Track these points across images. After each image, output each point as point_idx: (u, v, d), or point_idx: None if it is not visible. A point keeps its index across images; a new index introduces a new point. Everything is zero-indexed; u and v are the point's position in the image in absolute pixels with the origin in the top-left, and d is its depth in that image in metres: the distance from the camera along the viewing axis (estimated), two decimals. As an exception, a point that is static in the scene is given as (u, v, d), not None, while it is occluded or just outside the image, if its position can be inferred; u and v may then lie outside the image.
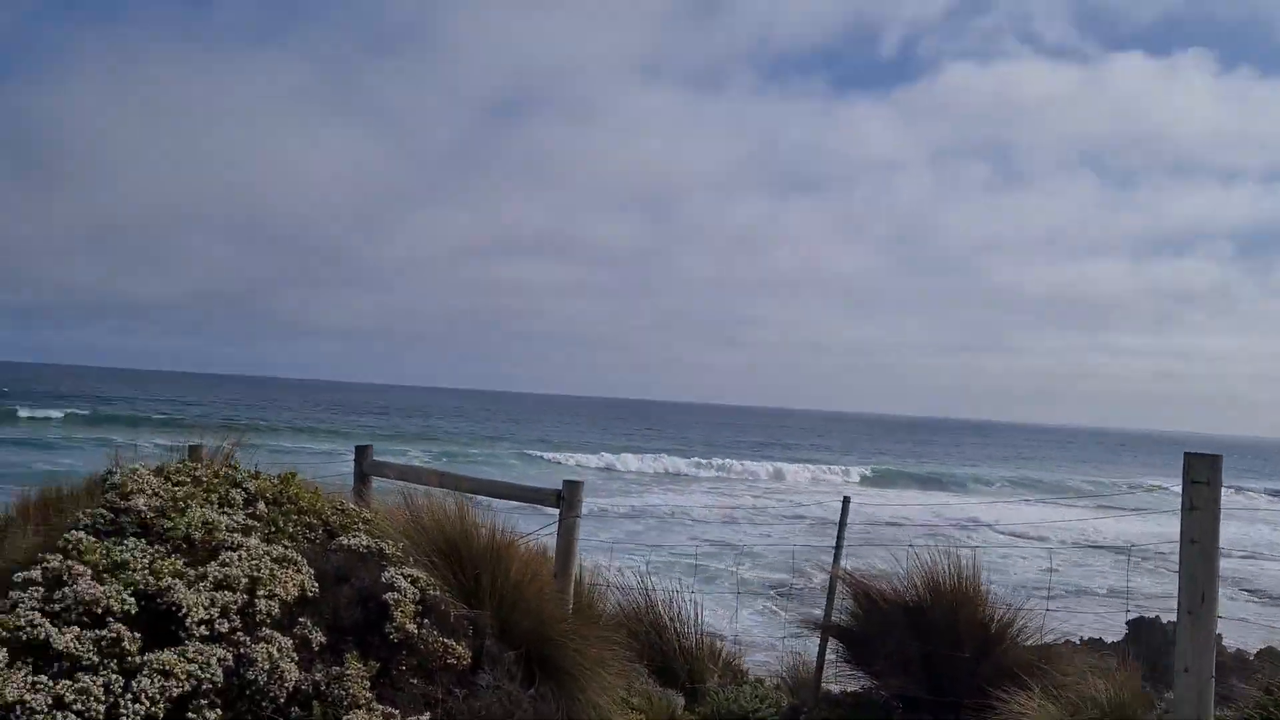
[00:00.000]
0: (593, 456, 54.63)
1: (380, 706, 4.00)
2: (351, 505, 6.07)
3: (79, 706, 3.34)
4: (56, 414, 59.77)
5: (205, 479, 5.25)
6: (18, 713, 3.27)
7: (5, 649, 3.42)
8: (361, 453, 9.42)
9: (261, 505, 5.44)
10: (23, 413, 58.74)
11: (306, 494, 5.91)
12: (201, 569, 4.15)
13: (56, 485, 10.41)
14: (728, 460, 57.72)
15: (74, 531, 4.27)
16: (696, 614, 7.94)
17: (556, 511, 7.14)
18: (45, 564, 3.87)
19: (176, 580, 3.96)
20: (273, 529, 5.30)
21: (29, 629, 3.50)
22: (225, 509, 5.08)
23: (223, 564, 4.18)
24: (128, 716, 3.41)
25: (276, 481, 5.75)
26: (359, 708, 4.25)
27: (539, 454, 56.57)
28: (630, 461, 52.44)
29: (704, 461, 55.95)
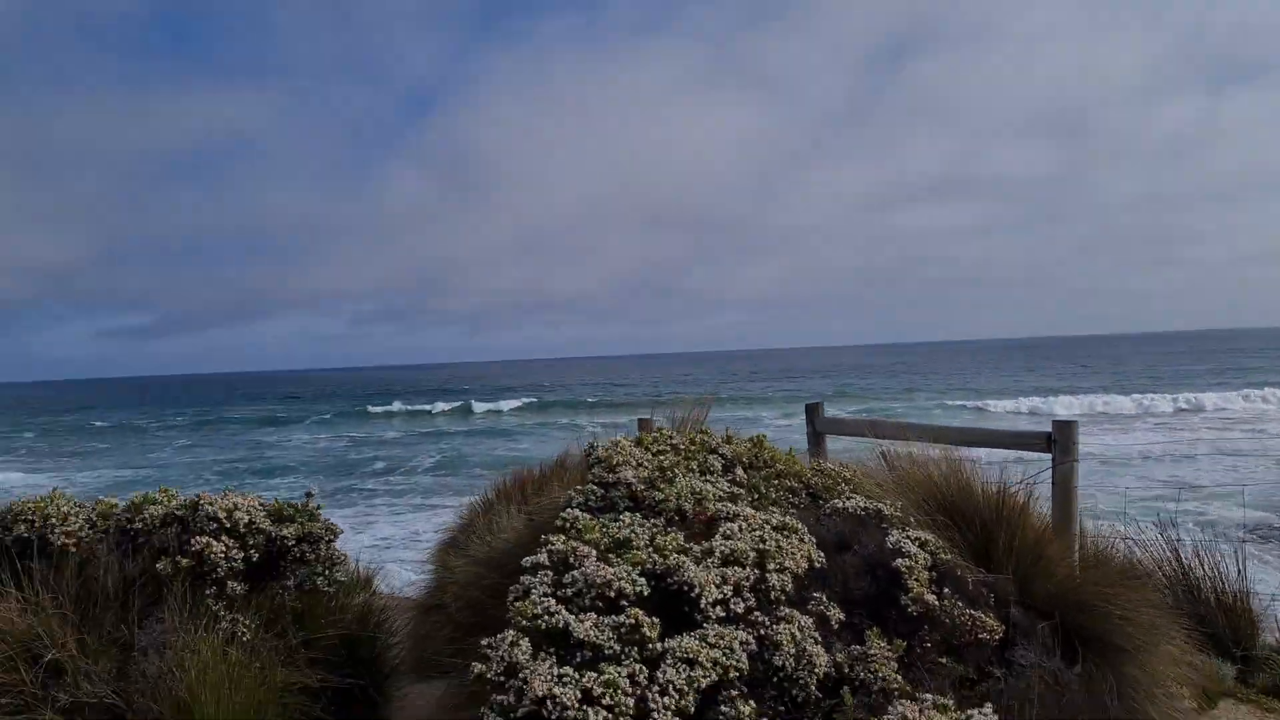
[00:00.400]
0: (1022, 400, 51.23)
1: (929, 696, 3.35)
2: (830, 465, 5.53)
3: (608, 701, 3.01)
4: (509, 404, 66.12)
5: (683, 447, 4.91)
6: (548, 708, 2.99)
7: (527, 639, 3.17)
8: (813, 411, 8.93)
9: (740, 471, 5.03)
10: (477, 407, 65.54)
11: (782, 456, 5.45)
12: (705, 544, 3.74)
13: (526, 468, 10.98)
14: (1177, 393, 51.67)
15: (570, 510, 4.04)
16: (1240, 565, 6.60)
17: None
18: (550, 546, 3.62)
19: (682, 557, 3.57)
20: (755, 495, 4.87)
21: (547, 617, 3.24)
22: (707, 477, 4.72)
23: (726, 536, 3.75)
24: (658, 712, 3.03)
25: (750, 444, 5.33)
26: (894, 693, 3.66)
27: (960, 403, 54.02)
28: (1067, 403, 48.48)
29: (1148, 396, 50.49)
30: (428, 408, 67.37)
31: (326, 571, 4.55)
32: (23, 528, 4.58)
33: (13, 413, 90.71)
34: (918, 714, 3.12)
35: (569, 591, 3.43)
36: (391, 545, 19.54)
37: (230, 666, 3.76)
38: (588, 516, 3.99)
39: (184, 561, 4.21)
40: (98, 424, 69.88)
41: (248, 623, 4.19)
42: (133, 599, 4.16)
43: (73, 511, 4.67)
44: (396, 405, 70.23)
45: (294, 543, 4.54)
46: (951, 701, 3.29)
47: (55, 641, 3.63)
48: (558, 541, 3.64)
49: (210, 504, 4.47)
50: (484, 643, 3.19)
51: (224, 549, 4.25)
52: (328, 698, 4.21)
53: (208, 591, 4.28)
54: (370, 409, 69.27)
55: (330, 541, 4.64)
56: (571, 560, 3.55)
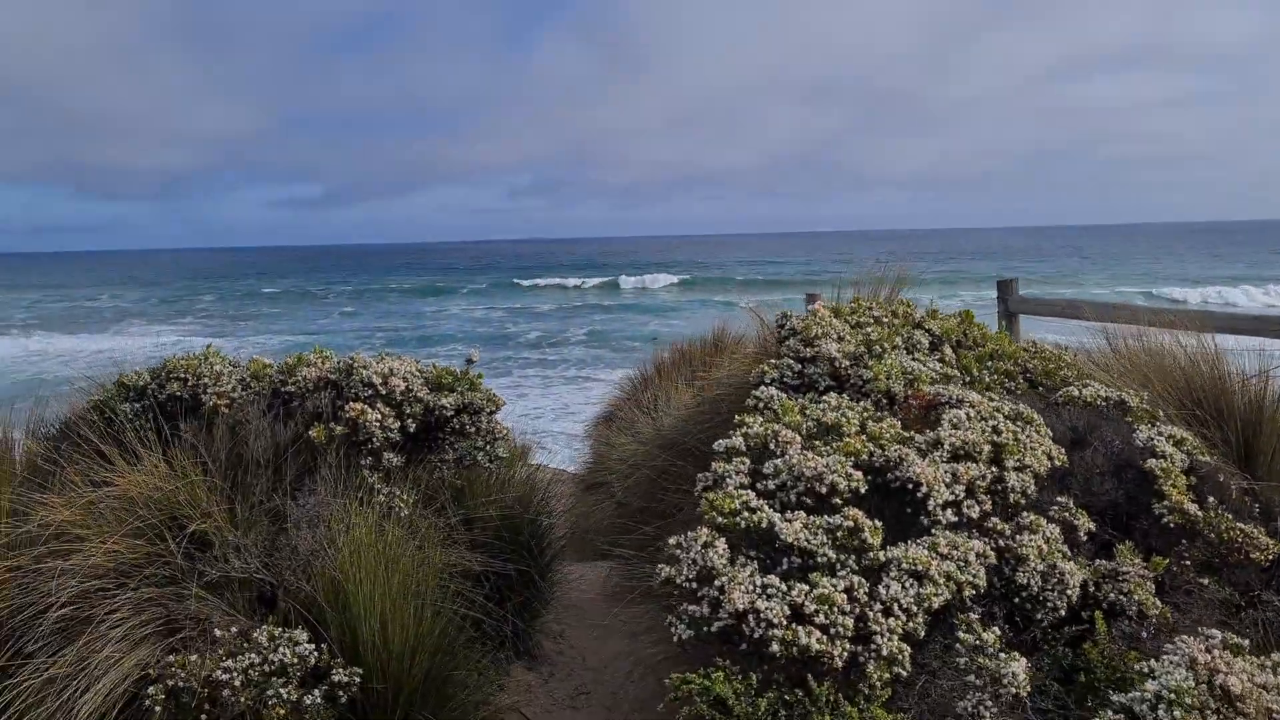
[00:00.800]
0: (1208, 290, 47.66)
1: (1216, 632, 2.71)
2: (1049, 347, 4.81)
3: (821, 619, 2.49)
4: (658, 280, 65.61)
5: (886, 320, 4.28)
6: (750, 623, 2.50)
7: (723, 539, 2.67)
8: (1005, 288, 8.10)
9: (948, 350, 4.37)
10: (625, 282, 65.26)
11: (993, 335, 4.76)
12: (929, 434, 3.14)
13: (687, 342, 10.49)
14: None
15: (764, 387, 3.49)
16: None
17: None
18: (747, 429, 3.09)
19: (905, 449, 2.98)
20: (968, 378, 4.22)
21: (746, 514, 2.72)
22: (915, 355, 4.09)
23: (955, 425, 3.14)
24: (880, 635, 2.50)
25: (959, 321, 4.65)
26: (1152, 620, 3.04)
27: (1131, 289, 50.75)
28: (1254, 295, 44.90)
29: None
30: (576, 282, 67.62)
31: (488, 446, 4.17)
32: (176, 386, 4.33)
33: (192, 278, 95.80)
34: (1208, 654, 2.50)
35: (770, 484, 2.90)
36: (543, 416, 19.59)
37: (387, 545, 3.41)
38: (784, 396, 3.43)
39: (338, 429, 3.88)
40: (268, 290, 73.04)
41: (405, 498, 3.85)
42: (285, 466, 3.86)
43: (226, 371, 4.40)
44: (545, 280, 70.77)
45: (453, 413, 4.16)
46: (1247, 642, 2.66)
47: (201, 511, 3.34)
48: (755, 424, 3.10)
49: (365, 367, 4.11)
50: (672, 541, 2.70)
51: (379, 418, 3.89)
52: (490, 583, 3.86)
53: (363, 462, 3.95)
54: (519, 282, 70.06)
55: (492, 414, 4.24)
56: (772, 447, 3.01)
